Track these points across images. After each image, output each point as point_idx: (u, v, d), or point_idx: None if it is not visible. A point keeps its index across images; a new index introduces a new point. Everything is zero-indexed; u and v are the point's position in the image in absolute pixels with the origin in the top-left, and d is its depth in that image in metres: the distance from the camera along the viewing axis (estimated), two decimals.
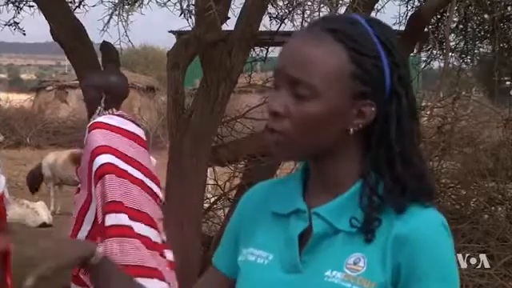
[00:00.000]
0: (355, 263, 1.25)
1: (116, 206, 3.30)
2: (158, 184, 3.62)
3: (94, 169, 3.34)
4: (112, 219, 3.28)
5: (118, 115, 3.60)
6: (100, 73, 3.98)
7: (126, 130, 3.56)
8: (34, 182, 10.41)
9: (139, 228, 3.33)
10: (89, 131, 3.47)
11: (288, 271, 1.31)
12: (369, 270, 1.24)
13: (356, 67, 1.26)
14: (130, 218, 3.31)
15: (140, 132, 3.68)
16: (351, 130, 1.28)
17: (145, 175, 3.50)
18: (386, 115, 1.28)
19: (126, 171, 3.39)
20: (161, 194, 3.62)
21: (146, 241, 3.33)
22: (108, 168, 3.33)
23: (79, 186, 3.64)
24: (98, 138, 3.43)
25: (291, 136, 1.27)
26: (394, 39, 1.31)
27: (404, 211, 1.27)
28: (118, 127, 3.52)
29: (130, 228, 3.30)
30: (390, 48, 1.29)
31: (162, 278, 3.37)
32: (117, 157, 3.39)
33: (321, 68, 1.25)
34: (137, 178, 3.43)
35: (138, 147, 3.58)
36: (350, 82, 1.26)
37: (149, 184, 3.50)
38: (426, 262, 1.24)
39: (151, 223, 3.41)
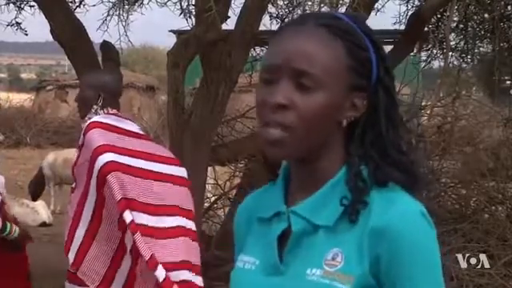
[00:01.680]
0: (333, 259, 1.25)
1: (128, 203, 3.29)
2: (177, 164, 3.58)
3: (97, 168, 3.33)
4: (128, 216, 3.26)
5: (113, 114, 3.59)
6: (94, 72, 3.97)
7: (123, 129, 3.55)
8: (37, 190, 10.43)
9: (147, 220, 3.32)
10: (86, 131, 3.46)
11: (270, 274, 1.31)
12: (346, 265, 1.24)
13: (352, 60, 1.29)
14: (142, 212, 3.30)
15: (137, 129, 3.67)
16: (344, 122, 1.30)
17: (155, 161, 3.48)
18: (374, 107, 1.30)
19: (130, 166, 3.37)
20: (182, 173, 3.56)
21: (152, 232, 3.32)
22: (111, 166, 3.32)
23: (73, 185, 3.63)
24: (97, 137, 3.41)
25: (297, 130, 1.26)
26: (374, 33, 1.35)
27: (386, 184, 1.27)
28: (114, 126, 3.51)
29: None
30: (376, 41, 1.32)
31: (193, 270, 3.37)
32: (118, 153, 3.38)
33: (323, 60, 1.27)
34: (144, 170, 3.41)
35: (138, 140, 3.56)
36: (347, 74, 1.28)
37: (162, 170, 3.46)
38: (406, 253, 1.23)
39: (159, 211, 3.39)
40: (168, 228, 3.38)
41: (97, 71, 4.00)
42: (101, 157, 3.33)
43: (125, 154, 3.40)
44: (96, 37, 5.27)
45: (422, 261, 1.24)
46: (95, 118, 3.52)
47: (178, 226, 3.41)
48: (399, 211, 1.25)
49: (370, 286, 1.24)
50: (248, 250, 1.38)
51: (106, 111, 3.58)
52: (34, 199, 10.38)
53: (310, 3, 4.54)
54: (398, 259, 1.23)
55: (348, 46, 1.28)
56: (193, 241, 3.43)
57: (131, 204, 3.28)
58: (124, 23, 5.47)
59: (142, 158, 3.45)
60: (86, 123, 3.50)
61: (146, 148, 3.53)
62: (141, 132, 3.69)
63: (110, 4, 5.68)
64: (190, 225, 3.46)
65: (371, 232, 1.24)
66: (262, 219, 1.37)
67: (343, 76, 1.28)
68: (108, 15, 5.54)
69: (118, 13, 5.53)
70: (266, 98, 1.27)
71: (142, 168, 3.41)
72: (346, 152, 1.32)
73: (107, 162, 3.32)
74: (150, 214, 3.33)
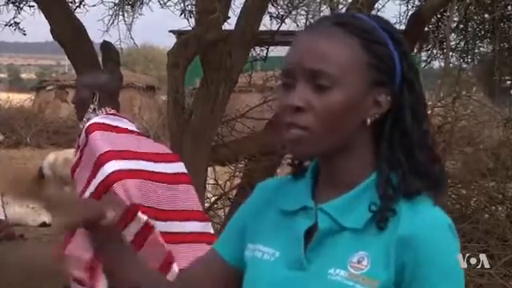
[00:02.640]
0: (359, 262, 1.26)
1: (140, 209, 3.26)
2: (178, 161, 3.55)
3: (102, 178, 3.28)
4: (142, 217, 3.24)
5: (111, 114, 3.57)
6: (90, 72, 3.96)
7: (122, 128, 3.54)
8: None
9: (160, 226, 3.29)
10: (87, 133, 3.43)
11: (292, 268, 1.31)
12: (372, 269, 1.24)
13: (370, 56, 1.28)
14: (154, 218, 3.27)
15: (135, 129, 3.66)
16: (368, 120, 1.29)
17: (158, 161, 3.44)
18: (400, 103, 1.30)
19: (135, 170, 3.33)
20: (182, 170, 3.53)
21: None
22: (118, 176, 3.27)
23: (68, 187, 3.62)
24: (100, 142, 3.37)
25: (316, 130, 1.26)
26: (398, 31, 1.35)
27: (414, 196, 1.27)
28: (113, 126, 3.50)
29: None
30: (397, 38, 1.32)
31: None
32: (123, 158, 3.34)
33: (338, 59, 1.27)
34: (147, 171, 3.37)
35: (138, 138, 3.54)
36: (365, 70, 1.28)
37: (166, 170, 3.43)
38: (431, 264, 1.24)
39: (173, 217, 3.37)
40: (177, 233, 3.34)
41: (92, 71, 3.98)
42: (106, 165, 3.28)
43: (129, 158, 3.37)
44: (96, 37, 5.27)
45: (445, 272, 1.25)
46: (95, 120, 3.50)
47: (191, 232, 3.38)
48: (427, 222, 1.26)
49: None
50: (267, 241, 1.37)
51: (104, 111, 3.56)
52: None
53: (309, 3, 4.53)
54: (422, 269, 1.24)
55: (364, 43, 1.28)
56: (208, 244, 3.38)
57: (140, 208, 3.25)
58: (129, 24, 5.48)
59: (144, 160, 3.42)
60: (86, 124, 3.48)
61: (146, 148, 3.52)
62: (139, 131, 3.69)
63: (111, 4, 5.68)
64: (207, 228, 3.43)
65: (399, 240, 1.24)
66: (286, 212, 1.36)
67: (361, 72, 1.28)
68: (114, 15, 5.54)
69: (122, 13, 5.54)
70: (284, 102, 1.28)
71: (147, 170, 3.36)
72: (375, 154, 1.31)
73: (113, 172, 3.27)
74: (159, 219, 3.31)
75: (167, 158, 3.52)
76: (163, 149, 3.66)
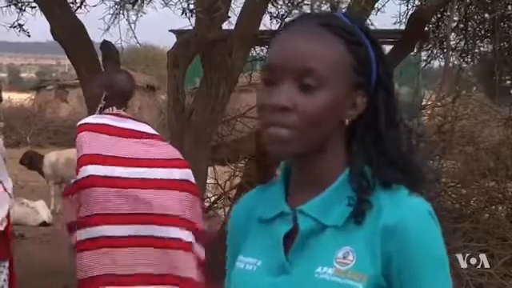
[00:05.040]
0: (344, 257, 1.25)
1: (95, 219, 3.28)
2: (176, 166, 3.49)
3: (78, 178, 3.33)
4: (88, 233, 3.28)
5: (113, 114, 3.54)
6: (105, 71, 3.95)
7: (120, 128, 3.49)
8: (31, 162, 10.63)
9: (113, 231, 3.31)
10: (76, 133, 3.43)
11: (276, 274, 1.30)
12: (358, 263, 1.24)
13: (353, 58, 1.29)
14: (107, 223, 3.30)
15: (141, 128, 3.59)
16: (346, 121, 1.30)
17: (142, 166, 3.42)
18: (374, 105, 1.31)
19: (109, 177, 3.33)
20: (182, 176, 3.49)
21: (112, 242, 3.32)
22: (89, 181, 3.30)
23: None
24: (83, 144, 3.38)
25: (301, 130, 1.27)
26: (372, 32, 1.36)
27: (390, 186, 1.28)
28: (108, 125, 3.46)
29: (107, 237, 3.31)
30: (374, 40, 1.33)
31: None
32: (99, 163, 3.34)
33: (327, 59, 1.27)
34: (123, 178, 3.36)
35: (133, 141, 3.50)
36: (349, 72, 1.29)
37: (148, 176, 3.40)
38: (417, 251, 1.24)
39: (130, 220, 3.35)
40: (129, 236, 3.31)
41: (109, 71, 3.96)
42: (81, 169, 3.32)
43: (107, 163, 3.36)
44: (96, 36, 5.28)
45: (429, 259, 1.25)
46: (85, 120, 3.49)
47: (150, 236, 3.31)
48: (409, 210, 1.26)
49: (382, 287, 1.24)
50: (248, 252, 1.37)
51: (109, 111, 3.54)
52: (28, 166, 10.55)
53: (309, 2, 4.54)
54: (407, 257, 1.24)
55: (348, 45, 1.29)
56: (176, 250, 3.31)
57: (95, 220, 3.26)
58: (131, 22, 5.47)
59: (127, 166, 3.41)
60: (77, 124, 3.47)
61: (140, 150, 3.47)
62: (146, 130, 3.60)
63: (112, 3, 5.68)
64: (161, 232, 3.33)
65: (383, 230, 1.25)
66: (263, 220, 1.36)
67: (346, 74, 1.28)
68: (115, 14, 5.54)
69: (122, 12, 5.54)
70: (269, 100, 1.27)
71: (122, 177, 3.32)
72: (348, 152, 1.32)
73: (86, 177, 3.30)
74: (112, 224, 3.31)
75: (172, 164, 3.48)
76: (171, 154, 3.54)
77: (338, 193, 1.30)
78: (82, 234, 3.27)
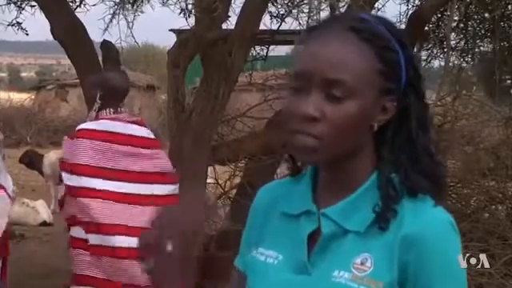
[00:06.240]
0: (362, 263, 1.26)
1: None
2: (157, 181, 3.54)
3: (74, 185, 3.51)
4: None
5: (111, 118, 3.53)
6: (100, 71, 3.96)
7: (117, 133, 3.49)
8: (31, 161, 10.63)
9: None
10: (75, 136, 3.48)
11: (297, 272, 1.31)
12: (376, 270, 1.25)
13: (382, 64, 1.28)
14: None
15: (143, 133, 3.59)
16: (375, 126, 1.29)
17: (124, 180, 3.48)
18: (405, 109, 1.30)
19: (80, 187, 3.44)
20: (162, 191, 3.54)
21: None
22: (80, 192, 3.46)
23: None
24: (68, 149, 3.47)
25: (329, 140, 1.26)
26: (401, 33, 1.34)
27: (418, 195, 1.27)
28: (104, 131, 3.47)
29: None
30: (403, 41, 1.31)
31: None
32: (73, 173, 3.43)
33: (355, 68, 1.26)
34: (98, 190, 3.44)
35: (129, 149, 3.51)
36: (377, 79, 1.27)
37: (121, 190, 3.46)
38: (435, 262, 1.24)
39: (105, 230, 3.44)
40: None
41: (103, 70, 3.97)
42: (63, 174, 3.51)
43: (88, 175, 3.42)
44: (96, 36, 5.27)
45: (446, 270, 1.25)
46: (83, 126, 3.51)
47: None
48: (430, 220, 1.26)
49: None
50: (269, 244, 1.37)
51: (106, 112, 3.54)
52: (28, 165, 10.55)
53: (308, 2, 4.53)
54: (426, 267, 1.24)
55: (377, 51, 1.27)
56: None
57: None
58: (130, 22, 5.47)
59: (105, 178, 3.46)
60: (76, 128, 3.49)
61: (131, 165, 3.52)
62: (147, 136, 3.61)
63: (112, 3, 5.68)
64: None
65: (402, 239, 1.25)
66: (288, 215, 1.36)
67: (374, 82, 1.27)
68: (114, 14, 5.54)
69: (122, 11, 5.54)
70: (297, 108, 1.26)
71: (101, 190, 3.45)
72: (376, 156, 1.31)
73: (78, 187, 3.46)
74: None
75: (156, 179, 3.54)
76: (158, 167, 3.61)
77: (363, 198, 1.30)
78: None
